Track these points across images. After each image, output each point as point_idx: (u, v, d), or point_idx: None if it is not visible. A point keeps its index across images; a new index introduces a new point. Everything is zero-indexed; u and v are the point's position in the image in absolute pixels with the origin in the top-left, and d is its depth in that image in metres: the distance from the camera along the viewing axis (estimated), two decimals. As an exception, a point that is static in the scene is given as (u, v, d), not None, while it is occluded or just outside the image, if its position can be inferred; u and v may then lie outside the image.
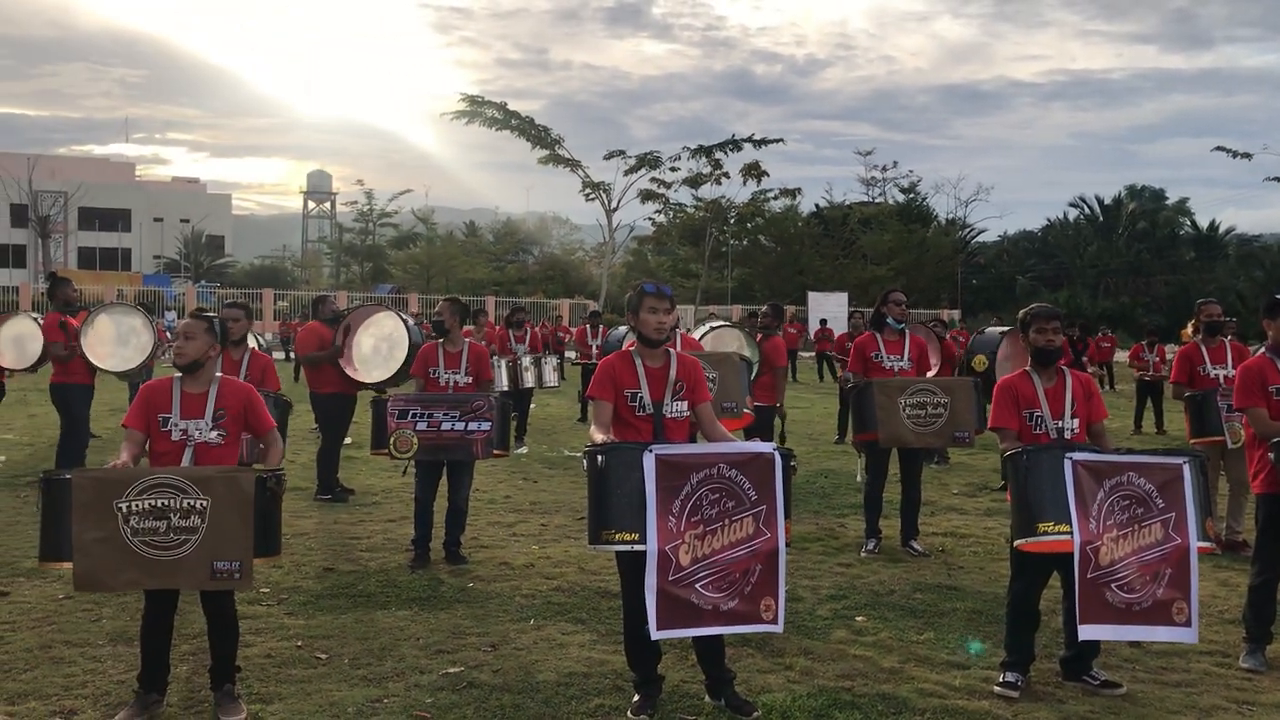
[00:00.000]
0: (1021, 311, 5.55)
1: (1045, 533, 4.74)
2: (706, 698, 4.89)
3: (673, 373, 5.00)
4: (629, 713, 4.74)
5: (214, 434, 4.85)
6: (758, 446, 4.65)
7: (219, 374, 5.02)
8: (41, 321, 10.43)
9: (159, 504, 4.36)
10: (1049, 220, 70.91)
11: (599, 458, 4.51)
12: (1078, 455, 4.76)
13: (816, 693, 5.01)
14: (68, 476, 4.41)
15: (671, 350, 5.09)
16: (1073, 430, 5.29)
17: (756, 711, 4.73)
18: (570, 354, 22.93)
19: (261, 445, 5.14)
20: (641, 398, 4.94)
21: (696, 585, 4.44)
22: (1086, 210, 67.85)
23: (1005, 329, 11.72)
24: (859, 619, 6.26)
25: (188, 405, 4.87)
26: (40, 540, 4.54)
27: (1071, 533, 4.67)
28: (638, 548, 4.41)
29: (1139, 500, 4.74)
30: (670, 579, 4.40)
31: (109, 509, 4.34)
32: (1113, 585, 4.69)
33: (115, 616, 6.07)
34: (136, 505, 4.34)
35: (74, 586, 4.47)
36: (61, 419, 9.77)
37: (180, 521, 4.37)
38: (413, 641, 5.76)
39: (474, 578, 7.14)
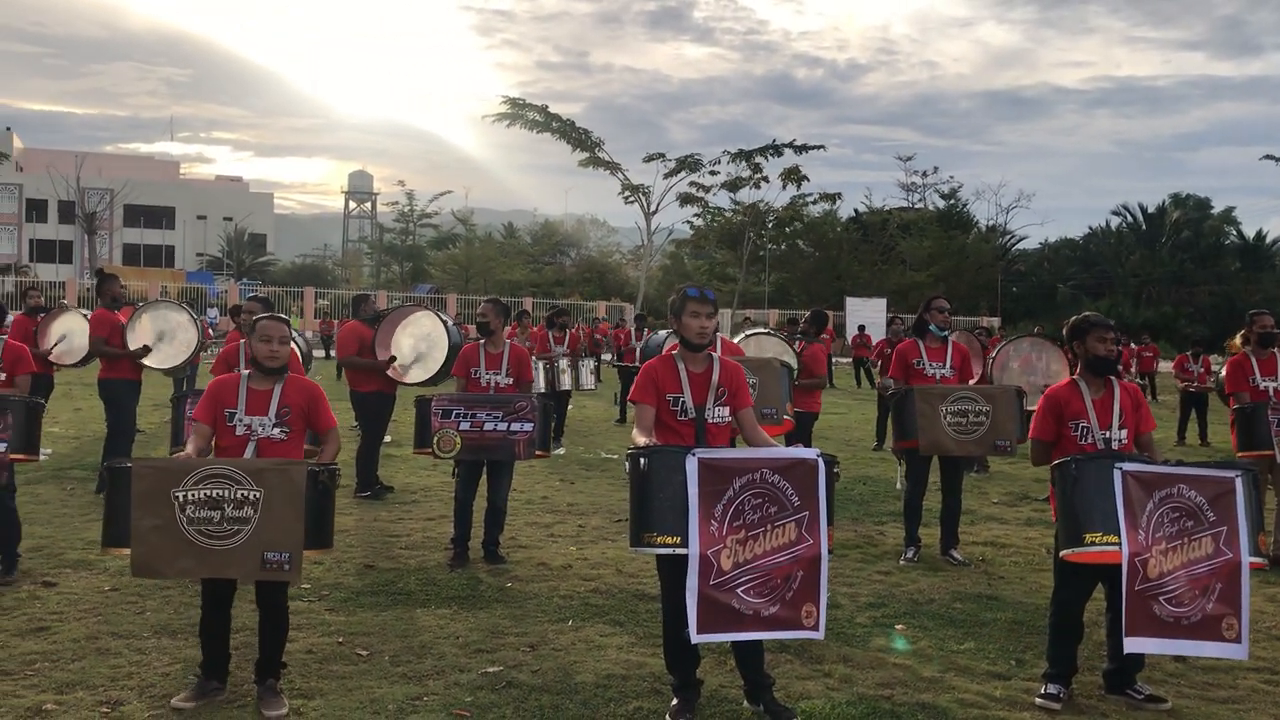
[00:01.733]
0: (1074, 319, 5.49)
1: (1093, 543, 4.69)
2: (745, 703, 4.88)
3: (715, 377, 4.99)
4: (667, 716, 4.73)
5: (277, 430, 4.93)
6: (801, 452, 4.63)
7: (286, 371, 5.10)
8: (89, 317, 10.57)
9: (214, 494, 4.43)
10: (1091, 228, 70.22)
11: (641, 460, 4.51)
12: (1128, 465, 4.71)
13: (856, 700, 4.99)
14: (129, 465, 4.50)
15: (714, 355, 5.08)
16: (1120, 441, 5.23)
17: (795, 718, 4.72)
18: (606, 356, 22.99)
19: (321, 441, 5.19)
20: (683, 402, 4.94)
21: (738, 590, 4.43)
22: (1129, 218, 67.11)
23: (1016, 336, 11.66)
24: (898, 627, 6.22)
25: (253, 401, 4.96)
26: (103, 526, 4.64)
27: (1120, 544, 4.61)
28: (679, 551, 4.41)
29: (1189, 513, 4.68)
30: (711, 583, 4.39)
31: (166, 497, 4.41)
32: (1161, 598, 4.63)
33: (160, 609, 6.15)
34: (192, 495, 4.42)
35: (131, 572, 4.55)
36: (108, 413, 9.89)
37: (234, 512, 4.44)
38: (452, 640, 5.79)
39: (512, 578, 7.17)
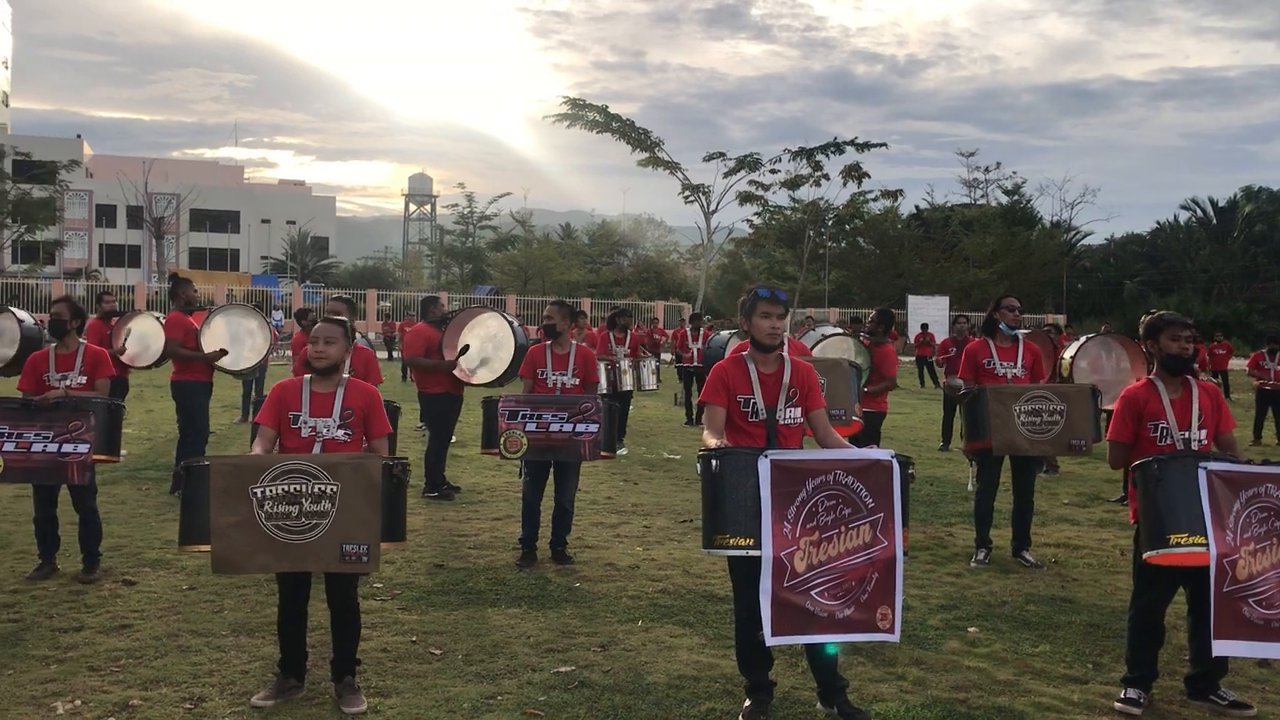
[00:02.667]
0: (1149, 318, 5.39)
1: (1178, 544, 4.60)
2: (818, 705, 4.85)
3: (787, 378, 4.96)
4: (740, 718, 4.72)
5: (341, 432, 4.99)
6: (875, 453, 4.59)
7: (347, 375, 5.17)
8: (164, 321, 10.78)
9: (291, 489, 4.50)
10: (1158, 223, 69.06)
11: (713, 462, 4.49)
12: (1213, 465, 4.61)
13: (930, 703, 4.94)
14: (206, 463, 4.57)
15: (786, 355, 5.05)
16: (1199, 442, 5.12)
17: (869, 720, 4.68)
18: (666, 356, 22.96)
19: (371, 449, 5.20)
20: (755, 403, 4.92)
21: (812, 592, 4.40)
22: (1199, 213, 65.80)
23: (1091, 335, 11.44)
24: (971, 630, 6.15)
25: (317, 404, 5.03)
26: (180, 524, 4.71)
27: (1207, 545, 4.52)
28: (752, 553, 4.39)
29: (1278, 512, 4.57)
30: (785, 585, 4.37)
31: (244, 494, 4.48)
32: (1250, 600, 4.53)
33: (237, 608, 6.26)
34: (270, 490, 4.49)
35: (212, 569, 4.62)
36: (180, 415, 10.07)
37: (311, 506, 4.50)
38: (523, 639, 5.82)
39: (580, 578, 7.19)
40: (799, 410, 4.97)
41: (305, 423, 4.99)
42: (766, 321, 4.92)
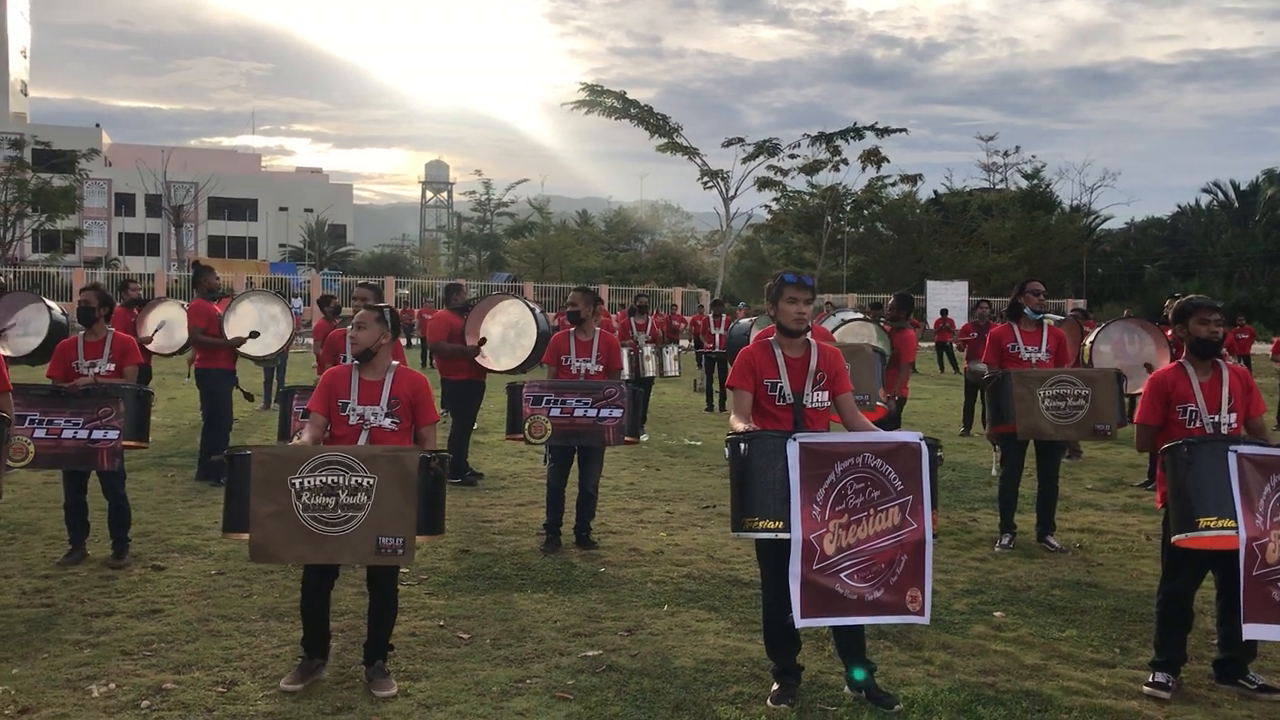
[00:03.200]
0: (1178, 302, 5.37)
1: (1207, 528, 4.59)
2: (846, 689, 4.87)
3: (814, 363, 4.96)
4: (769, 701, 4.74)
5: (388, 420, 5.02)
6: (903, 436, 4.60)
7: (395, 362, 5.18)
8: (187, 308, 10.85)
9: (329, 481, 4.53)
10: (1179, 207, 68.51)
11: (742, 445, 4.50)
12: (1243, 449, 4.60)
13: (958, 687, 4.94)
14: (248, 452, 4.61)
15: (812, 340, 5.05)
16: (1229, 425, 5.11)
17: (898, 705, 4.69)
18: (684, 342, 22.95)
19: (419, 438, 5.23)
20: (782, 388, 4.92)
21: (841, 574, 4.42)
22: (1221, 196, 65.25)
23: (1113, 319, 11.39)
24: (997, 614, 6.15)
25: (365, 392, 5.06)
26: (224, 512, 4.76)
27: (1236, 528, 4.51)
28: (781, 535, 4.40)
29: (1309, 497, 4.55)
30: (815, 568, 4.39)
31: (284, 484, 4.52)
32: (1280, 584, 4.52)
33: (265, 593, 6.31)
34: (309, 481, 4.52)
35: (250, 557, 4.66)
36: (204, 403, 10.14)
37: (348, 498, 4.53)
38: (550, 624, 5.86)
39: (605, 563, 7.22)
40: (826, 394, 4.97)
41: (353, 410, 5.02)
42: (793, 306, 4.92)
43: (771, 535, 4.44)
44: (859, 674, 4.73)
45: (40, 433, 6.58)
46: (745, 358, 5.00)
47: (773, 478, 4.42)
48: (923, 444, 4.53)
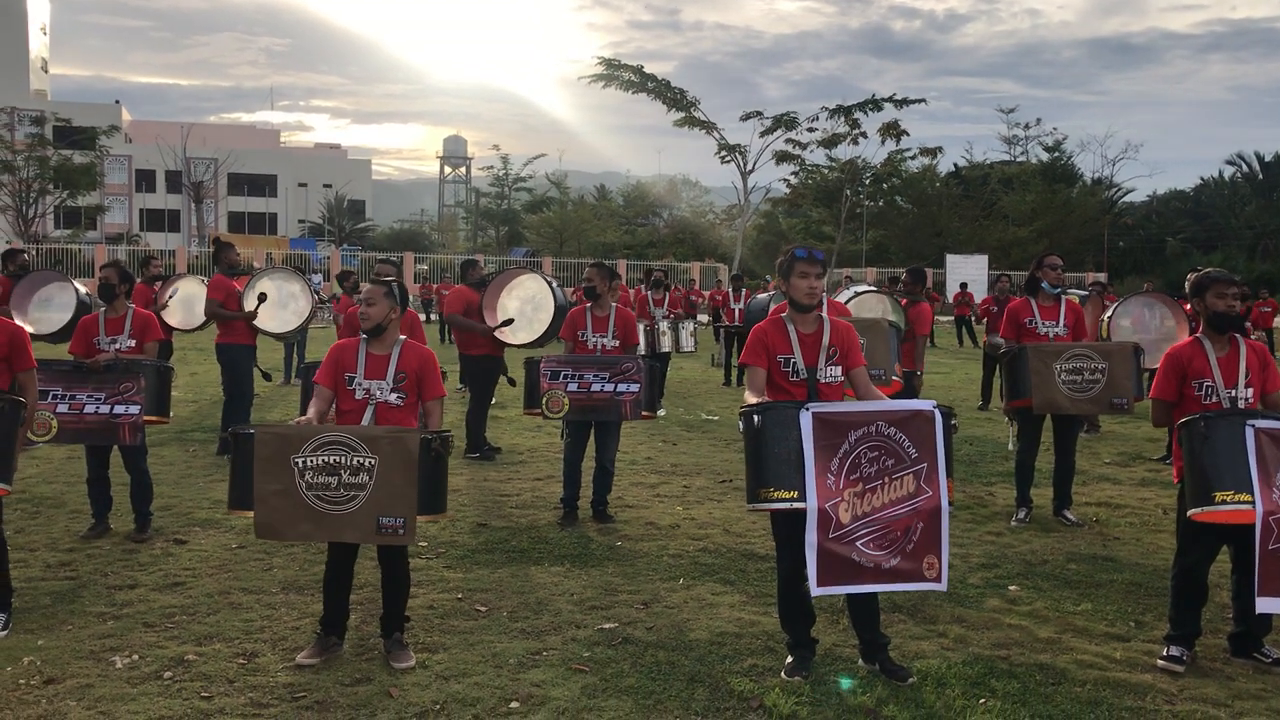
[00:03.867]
0: (1196, 276, 5.34)
1: (1223, 502, 4.58)
2: (860, 661, 4.90)
3: (826, 338, 4.97)
4: (783, 674, 4.77)
5: (394, 395, 5.04)
6: (917, 404, 4.61)
7: (402, 338, 5.21)
8: (207, 283, 10.91)
9: (331, 460, 4.57)
10: (1202, 179, 67.74)
11: (755, 417, 4.53)
12: (1260, 423, 4.59)
13: (972, 661, 4.97)
14: (251, 431, 4.66)
15: (824, 315, 5.06)
16: (1246, 400, 5.09)
17: (911, 677, 4.72)
18: (702, 317, 22.95)
19: (424, 412, 5.26)
20: (795, 363, 4.93)
21: (857, 543, 4.43)
22: (1245, 168, 64.54)
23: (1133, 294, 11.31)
24: (1012, 588, 6.16)
25: (372, 366, 5.09)
26: (229, 489, 4.83)
27: (1253, 502, 4.50)
28: (797, 505, 4.42)
29: (1326, 472, 4.54)
30: (831, 536, 4.41)
31: (287, 463, 4.56)
32: (1296, 559, 4.51)
33: (286, 566, 6.38)
34: (311, 461, 4.56)
35: (255, 534, 4.73)
36: (224, 378, 10.22)
37: (350, 478, 4.57)
38: (567, 596, 5.91)
39: (622, 536, 7.26)
40: (839, 369, 4.98)
41: (360, 384, 5.05)
42: (804, 281, 4.92)
43: (787, 505, 4.46)
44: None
45: (63, 408, 6.65)
46: (758, 334, 5.01)
47: (787, 448, 4.44)
48: (936, 412, 4.54)
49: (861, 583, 4.50)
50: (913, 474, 4.48)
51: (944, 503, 4.50)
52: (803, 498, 4.40)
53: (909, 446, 4.48)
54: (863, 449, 4.45)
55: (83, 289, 10.23)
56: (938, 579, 4.53)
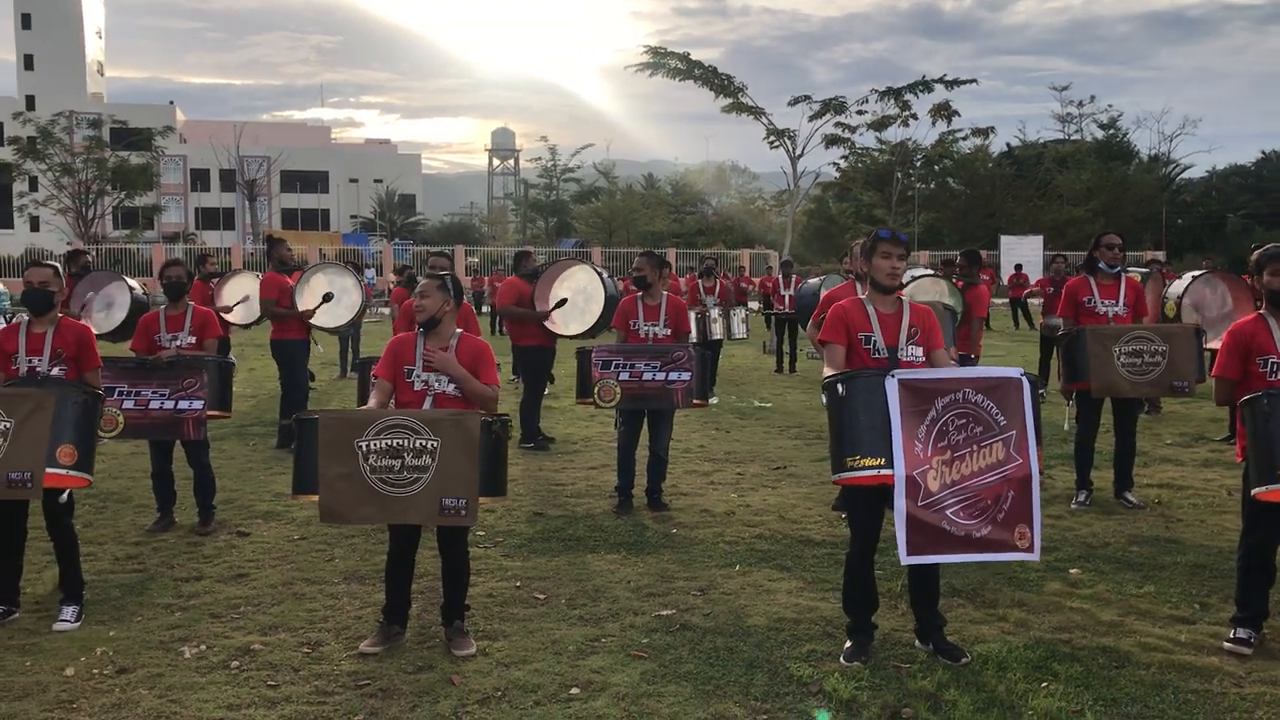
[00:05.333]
0: (1256, 253, 5.24)
1: (1289, 480, 4.49)
2: (916, 643, 4.88)
3: (906, 318, 4.94)
4: (842, 659, 4.76)
5: (451, 387, 5.09)
6: (1005, 371, 4.55)
7: (459, 330, 5.26)
8: (260, 280, 11.07)
9: (394, 444, 4.63)
10: (1264, 153, 66.27)
11: (840, 386, 4.50)
12: (1325, 400, 4.49)
13: (1033, 644, 4.92)
14: (316, 416, 4.74)
15: (903, 297, 5.04)
16: (1311, 376, 4.98)
17: (965, 657, 4.69)
18: (753, 304, 22.85)
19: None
20: (875, 341, 4.88)
21: (947, 511, 4.38)
22: (1308, 141, 63.02)
23: (1197, 273, 11.06)
24: (1073, 571, 6.09)
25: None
26: (293, 475, 4.93)
27: (1319, 479, 4.41)
28: (884, 472, 4.38)
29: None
30: (920, 504, 4.36)
31: (350, 447, 4.63)
32: (1365, 538, 4.42)
33: (347, 556, 6.47)
34: (375, 444, 4.63)
35: (319, 518, 4.81)
36: (280, 372, 10.36)
37: (413, 461, 4.63)
38: (624, 584, 5.93)
39: (676, 524, 7.28)
40: (921, 350, 4.93)
41: (418, 376, 5.11)
42: (887, 262, 4.90)
43: (874, 474, 4.41)
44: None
45: (129, 404, 6.80)
46: (838, 312, 4.98)
47: (873, 415, 4.39)
48: (1024, 379, 4.50)
49: (953, 552, 4.44)
50: (1001, 441, 4.43)
51: (1034, 471, 4.44)
52: (890, 465, 4.36)
53: (997, 414, 4.43)
54: (950, 416, 4.40)
55: (137, 285, 10.42)
56: (1030, 549, 4.46)
